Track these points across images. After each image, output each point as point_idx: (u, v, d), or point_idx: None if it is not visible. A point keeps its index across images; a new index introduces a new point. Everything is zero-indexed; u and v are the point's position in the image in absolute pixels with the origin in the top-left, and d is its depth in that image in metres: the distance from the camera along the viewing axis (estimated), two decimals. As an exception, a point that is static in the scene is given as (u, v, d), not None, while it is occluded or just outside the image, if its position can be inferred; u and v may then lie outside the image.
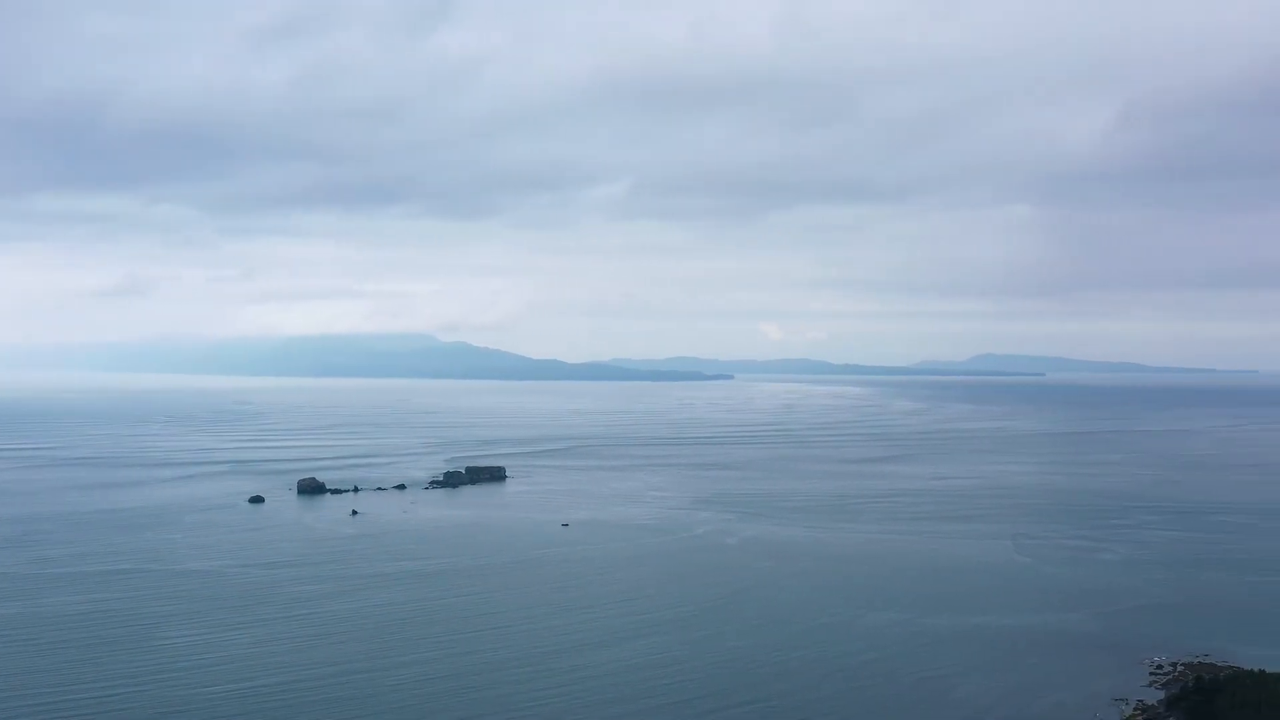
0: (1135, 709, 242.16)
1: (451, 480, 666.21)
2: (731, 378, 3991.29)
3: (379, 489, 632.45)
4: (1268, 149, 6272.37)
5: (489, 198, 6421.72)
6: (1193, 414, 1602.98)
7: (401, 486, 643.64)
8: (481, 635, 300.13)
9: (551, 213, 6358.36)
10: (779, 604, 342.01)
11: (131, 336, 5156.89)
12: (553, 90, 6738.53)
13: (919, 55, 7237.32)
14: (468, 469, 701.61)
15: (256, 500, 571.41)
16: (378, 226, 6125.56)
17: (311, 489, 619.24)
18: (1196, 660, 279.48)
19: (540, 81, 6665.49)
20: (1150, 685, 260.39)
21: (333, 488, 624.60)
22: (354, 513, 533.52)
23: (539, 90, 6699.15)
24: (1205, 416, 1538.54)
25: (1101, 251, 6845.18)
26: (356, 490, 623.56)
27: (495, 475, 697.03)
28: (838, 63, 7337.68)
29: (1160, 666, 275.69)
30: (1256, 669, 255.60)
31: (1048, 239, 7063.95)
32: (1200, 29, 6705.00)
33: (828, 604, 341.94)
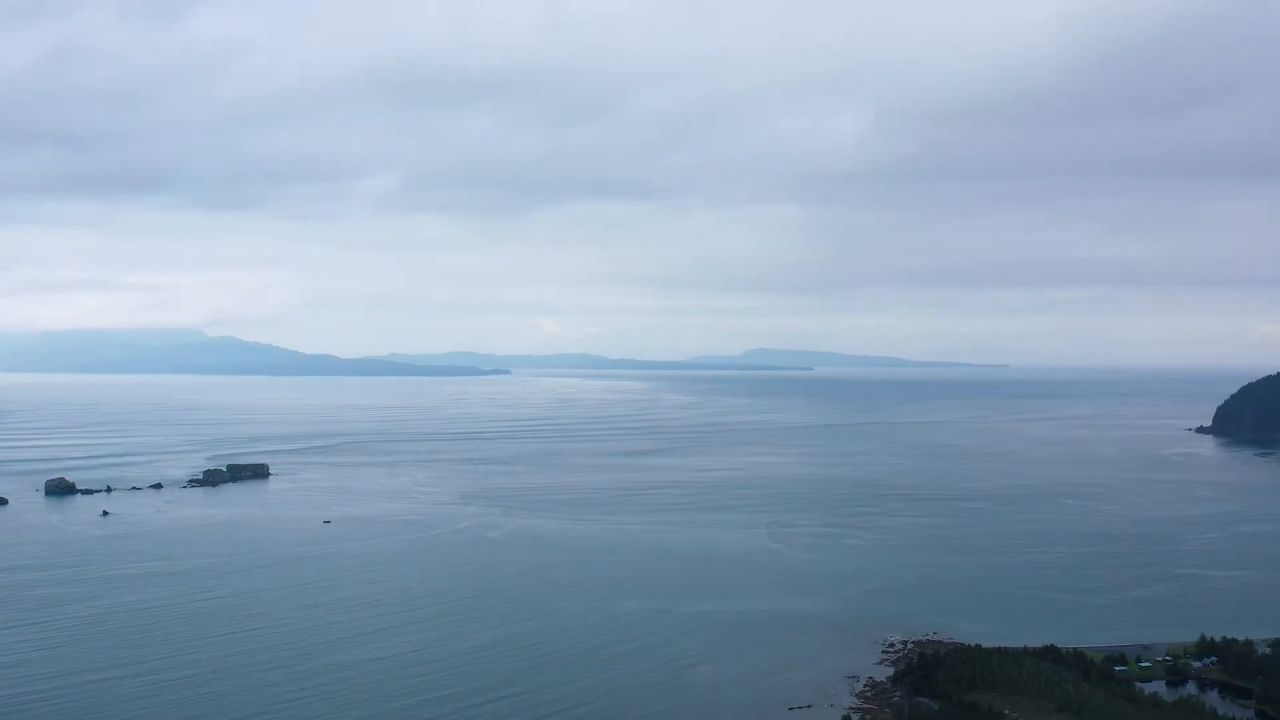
0: (865, 685, 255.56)
1: (212, 478, 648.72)
2: (509, 372, 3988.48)
3: (134, 488, 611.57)
4: (1011, 154, 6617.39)
5: (254, 188, 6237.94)
6: (945, 406, 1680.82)
7: (158, 485, 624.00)
8: (233, 634, 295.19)
9: (320, 205, 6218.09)
10: (537, 595, 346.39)
11: None
12: (314, 80, 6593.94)
13: (683, 54, 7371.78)
14: (229, 467, 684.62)
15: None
16: (138, 216, 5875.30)
17: (61, 489, 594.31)
18: (925, 638, 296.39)
19: (301, 71, 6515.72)
20: (881, 663, 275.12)
21: (84, 488, 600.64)
22: (105, 513, 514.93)
23: (300, 80, 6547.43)
24: (955, 408, 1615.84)
25: (863, 250, 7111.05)
26: (109, 490, 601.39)
27: (258, 473, 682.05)
28: (602, 60, 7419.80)
29: (892, 645, 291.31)
30: (974, 644, 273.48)
31: (813, 237, 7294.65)
32: (945, 41, 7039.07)
33: (585, 594, 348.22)
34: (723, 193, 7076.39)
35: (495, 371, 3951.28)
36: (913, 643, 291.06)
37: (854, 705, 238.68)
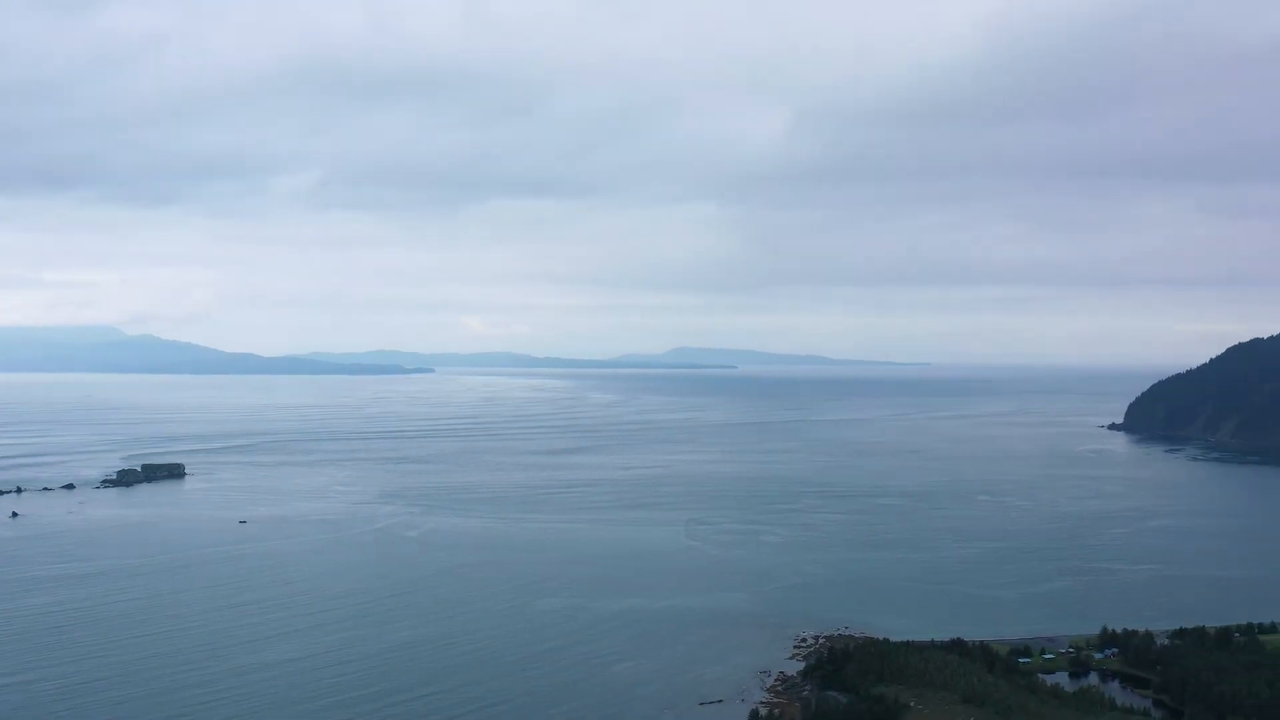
0: (777, 679, 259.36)
1: (126, 479, 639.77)
2: (433, 371, 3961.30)
3: (45, 489, 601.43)
4: (930, 156, 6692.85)
5: (172, 184, 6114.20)
6: (865, 404, 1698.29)
7: (70, 486, 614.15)
8: (145, 637, 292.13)
9: (241, 201, 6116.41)
10: (454, 594, 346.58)
11: None
12: (232, 75, 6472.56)
13: (606, 54, 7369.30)
14: (144, 467, 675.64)
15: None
16: (53, 212, 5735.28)
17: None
18: (837, 633, 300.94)
19: (218, 66, 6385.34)
20: (793, 657, 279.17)
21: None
22: (14, 514, 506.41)
23: (217, 75, 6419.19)
24: (876, 407, 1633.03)
25: (786, 249, 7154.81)
26: (20, 491, 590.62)
27: (174, 473, 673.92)
28: (525, 58, 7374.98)
29: (804, 640, 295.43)
30: (883, 638, 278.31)
31: (736, 236, 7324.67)
32: (863, 44, 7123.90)
33: (502, 592, 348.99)
34: (646, 192, 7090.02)
35: (419, 370, 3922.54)
36: (824, 638, 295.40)
37: (764, 700, 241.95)
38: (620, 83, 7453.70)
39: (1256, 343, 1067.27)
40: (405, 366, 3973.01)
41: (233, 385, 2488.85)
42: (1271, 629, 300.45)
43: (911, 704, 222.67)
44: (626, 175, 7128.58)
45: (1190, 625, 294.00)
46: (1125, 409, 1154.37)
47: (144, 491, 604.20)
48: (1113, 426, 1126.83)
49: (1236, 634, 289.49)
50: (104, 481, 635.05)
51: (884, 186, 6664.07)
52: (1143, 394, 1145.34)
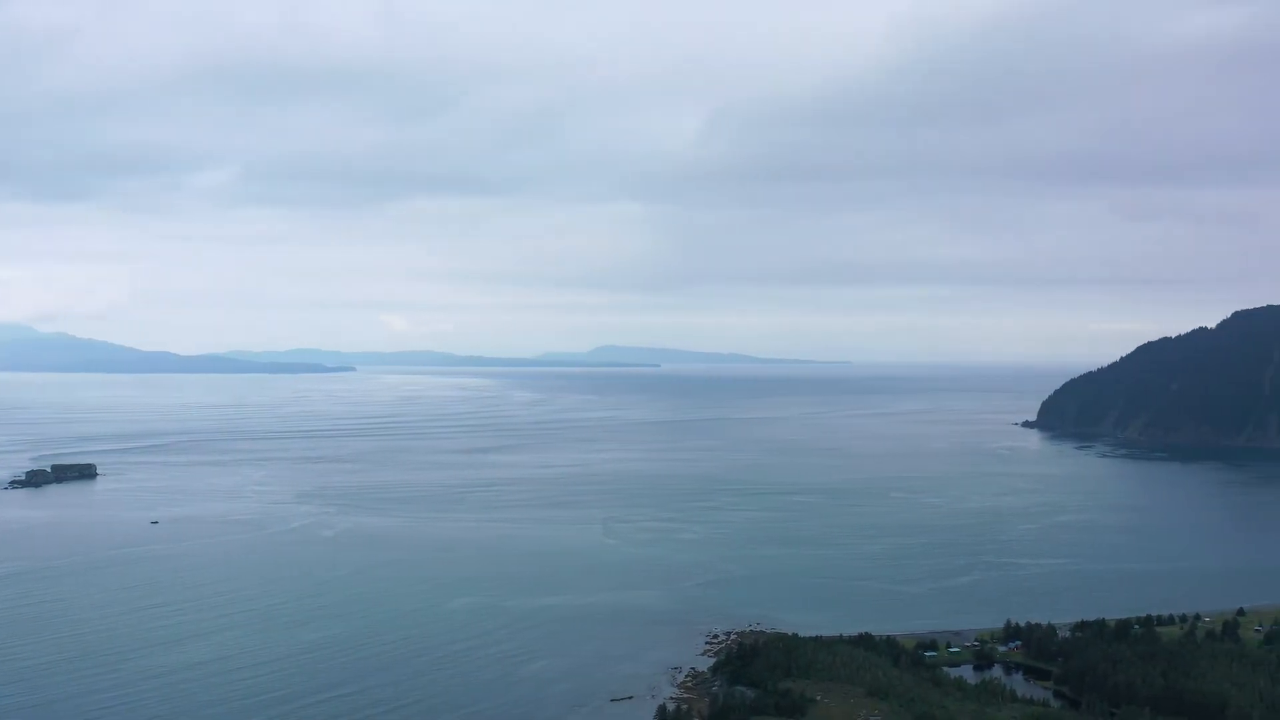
0: (688, 676, 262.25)
1: (35, 479, 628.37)
2: (353, 370, 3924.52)
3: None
4: (851, 156, 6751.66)
5: (83, 180, 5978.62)
6: (786, 402, 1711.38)
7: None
8: (54, 640, 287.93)
9: (155, 198, 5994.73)
10: (368, 594, 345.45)
11: None
12: (143, 70, 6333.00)
13: (525, 53, 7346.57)
14: (54, 467, 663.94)
15: None
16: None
17: None
18: (748, 629, 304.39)
19: (131, 61, 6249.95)
20: (704, 654, 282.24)
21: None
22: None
23: (130, 70, 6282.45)
24: (797, 405, 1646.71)
25: (708, 248, 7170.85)
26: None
27: (85, 473, 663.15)
28: (443, 56, 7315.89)
29: (716, 636, 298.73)
30: (791, 633, 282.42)
31: (659, 235, 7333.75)
32: (782, 46, 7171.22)
33: (417, 591, 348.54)
34: (568, 190, 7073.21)
35: (340, 369, 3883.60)
36: (735, 634, 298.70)
37: (674, 695, 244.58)
38: (540, 82, 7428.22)
39: (1165, 342, 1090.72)
40: (326, 365, 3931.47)
41: (148, 384, 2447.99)
42: (1169, 621, 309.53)
43: (818, 698, 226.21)
44: (548, 174, 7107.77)
45: (1092, 618, 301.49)
46: (1039, 407, 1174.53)
47: (53, 492, 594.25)
48: (1026, 424, 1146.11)
49: (1136, 626, 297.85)
50: (12, 483, 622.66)
51: (806, 186, 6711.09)
52: (1055, 392, 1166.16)
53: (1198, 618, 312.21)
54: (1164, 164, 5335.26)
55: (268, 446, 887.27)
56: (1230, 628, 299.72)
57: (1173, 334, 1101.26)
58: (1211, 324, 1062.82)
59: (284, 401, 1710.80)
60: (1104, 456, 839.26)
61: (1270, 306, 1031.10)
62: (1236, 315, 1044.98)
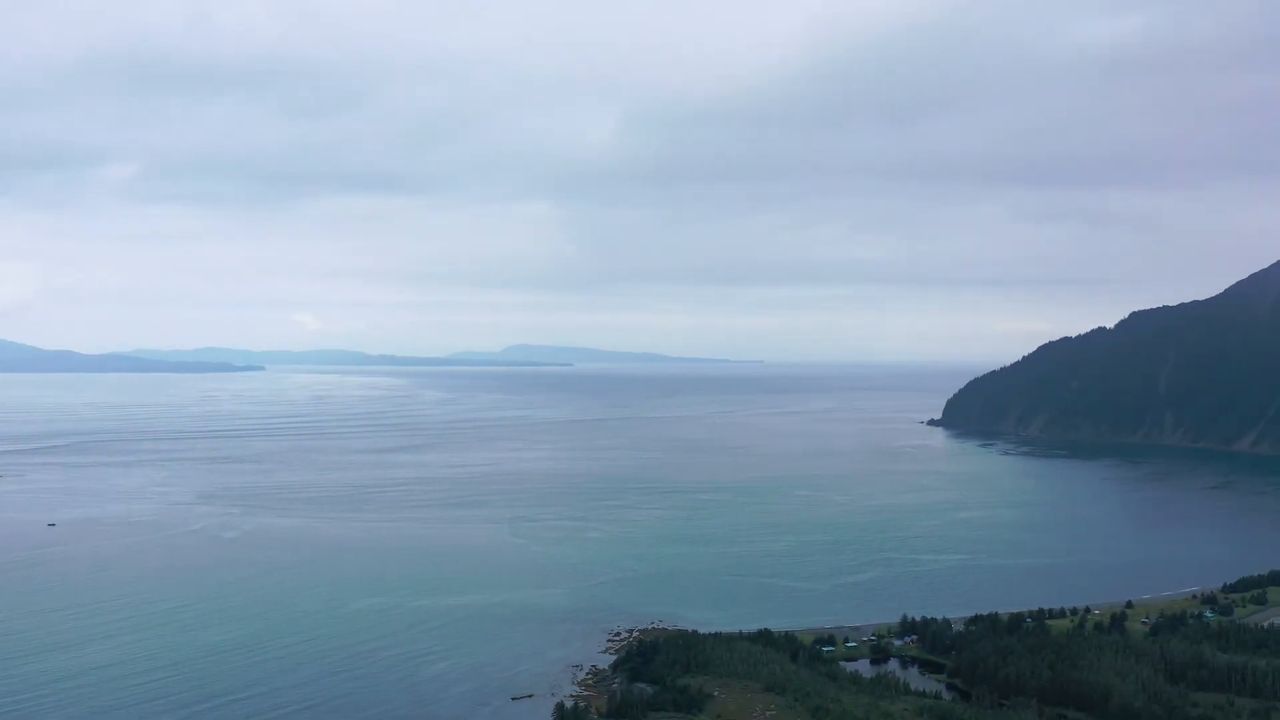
0: (588, 674, 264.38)
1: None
2: (263, 369, 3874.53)
3: None
4: (763, 157, 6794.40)
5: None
6: (698, 401, 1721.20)
7: None
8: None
9: (58, 193, 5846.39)
10: (270, 595, 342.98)
11: None
12: (49, 65, 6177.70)
13: (436, 51, 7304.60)
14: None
15: None
16: None
17: None
18: (650, 626, 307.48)
19: (34, 55, 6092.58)
20: (606, 651, 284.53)
21: None
22: None
23: (34, 64, 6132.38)
24: (708, 404, 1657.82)
25: (621, 247, 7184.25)
26: None
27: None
28: (351, 53, 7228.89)
29: (618, 634, 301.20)
30: (691, 630, 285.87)
31: (573, 234, 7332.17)
32: (692, 46, 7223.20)
33: (320, 592, 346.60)
34: (481, 189, 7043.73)
35: (250, 368, 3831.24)
36: (638, 631, 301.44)
37: (575, 693, 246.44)
38: (450, 81, 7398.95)
39: (1065, 341, 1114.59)
40: (235, 364, 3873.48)
41: (50, 384, 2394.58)
42: (1060, 614, 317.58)
43: (715, 693, 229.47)
44: (460, 172, 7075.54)
45: (985, 612, 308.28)
46: (944, 405, 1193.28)
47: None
48: (932, 422, 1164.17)
49: (1028, 619, 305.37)
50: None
51: (717, 186, 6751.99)
52: (960, 391, 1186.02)
53: (1088, 611, 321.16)
54: (1065, 167, 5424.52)
55: (172, 447, 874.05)
56: (1118, 620, 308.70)
57: (1073, 334, 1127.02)
58: (1110, 324, 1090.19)
59: (190, 401, 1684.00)
60: (1006, 454, 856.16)
61: (1165, 307, 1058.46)
62: (1134, 315, 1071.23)
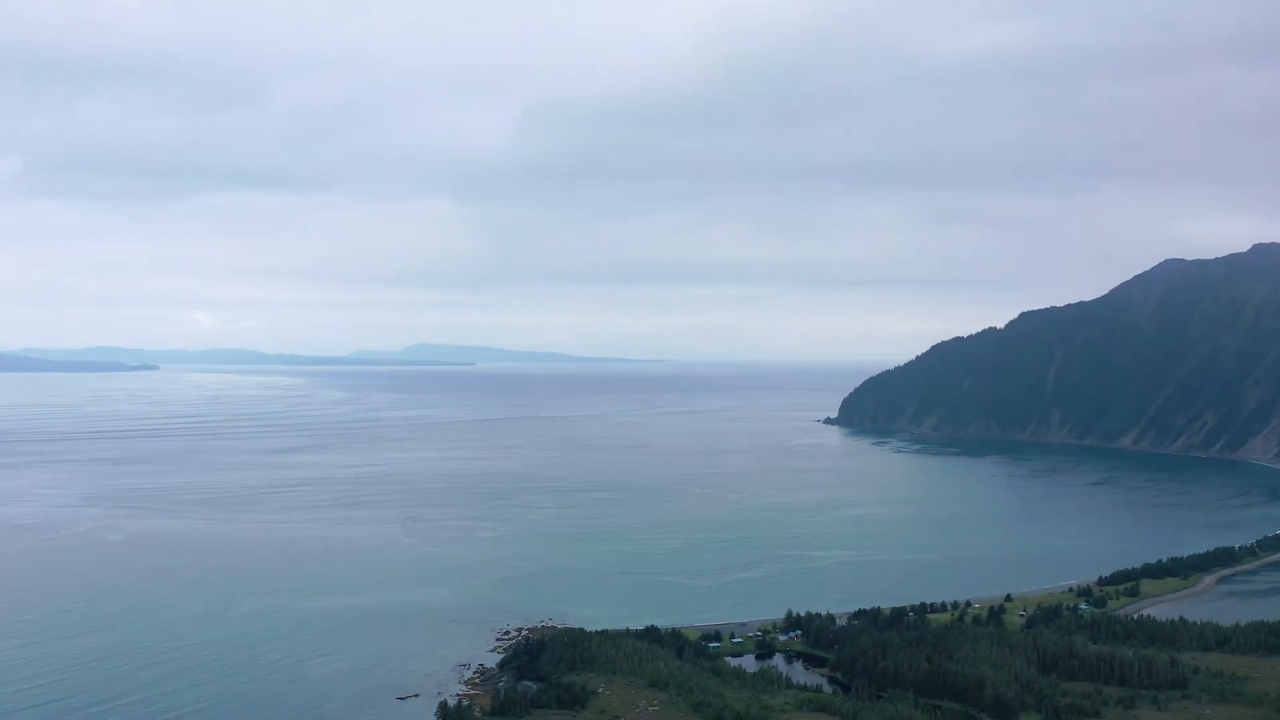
0: (476, 672, 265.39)
1: None
2: (158, 369, 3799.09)
3: None
4: (661, 157, 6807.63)
5: None
6: (597, 401, 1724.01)
7: None
8: None
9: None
10: (155, 598, 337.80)
11: None
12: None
13: (324, 45, 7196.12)
14: None
15: None
16: None
17: None
18: (540, 624, 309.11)
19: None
20: (494, 650, 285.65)
21: None
22: None
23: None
24: (608, 403, 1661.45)
25: (523, 246, 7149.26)
26: None
27: None
28: (239, 46, 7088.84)
29: (507, 632, 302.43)
30: (578, 628, 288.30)
31: (473, 233, 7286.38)
32: (588, 46, 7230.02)
33: (205, 594, 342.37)
34: (380, 186, 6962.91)
35: (143, 367, 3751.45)
36: (527, 630, 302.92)
37: (461, 692, 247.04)
38: (342, 76, 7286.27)
39: (957, 341, 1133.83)
40: (128, 364, 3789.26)
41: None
42: (942, 608, 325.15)
43: (599, 690, 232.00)
44: (356, 169, 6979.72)
45: (869, 607, 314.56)
46: (840, 404, 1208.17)
47: None
48: (828, 420, 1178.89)
49: (910, 613, 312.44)
50: None
51: (618, 186, 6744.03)
52: (855, 389, 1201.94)
53: (968, 604, 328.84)
54: (956, 170, 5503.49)
55: (59, 448, 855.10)
56: (996, 613, 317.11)
57: (965, 334, 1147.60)
58: (1000, 324, 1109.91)
59: (81, 401, 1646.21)
60: (898, 451, 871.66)
61: (1053, 308, 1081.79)
62: (1023, 315, 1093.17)
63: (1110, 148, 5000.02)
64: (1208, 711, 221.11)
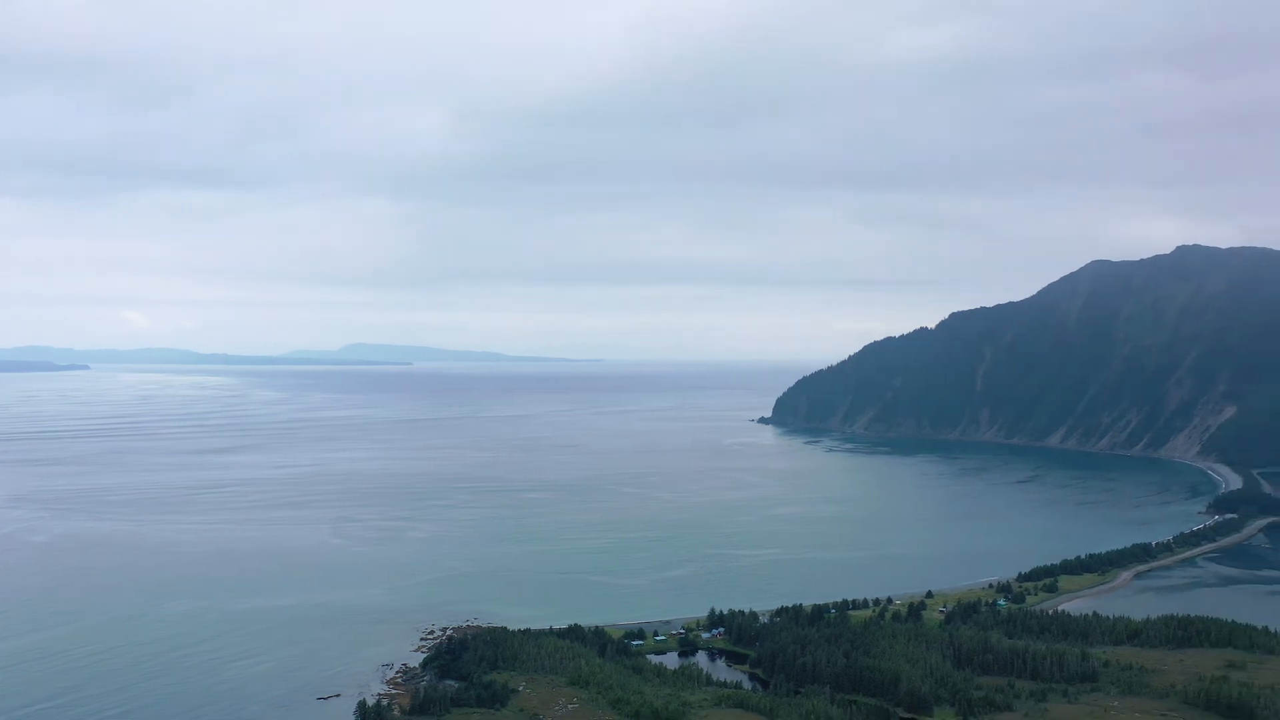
0: (398, 672, 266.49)
1: None
2: (88, 368, 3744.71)
3: None
4: (600, 157, 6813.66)
5: None
6: (535, 400, 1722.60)
7: None
8: None
9: None
10: (77, 601, 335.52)
11: None
12: None
13: (257, 44, 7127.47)
14: None
15: None
16: None
17: None
18: (465, 624, 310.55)
19: None
20: (418, 649, 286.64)
21: None
22: None
23: None
24: (545, 402, 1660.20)
25: (460, 246, 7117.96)
26: None
27: None
28: (169, 44, 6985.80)
29: (431, 632, 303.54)
30: (501, 626, 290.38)
31: (410, 232, 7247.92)
32: (524, 48, 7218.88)
33: (128, 596, 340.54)
34: (315, 185, 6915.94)
35: (74, 367, 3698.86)
36: (451, 629, 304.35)
37: (382, 692, 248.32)
38: (276, 75, 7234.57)
39: (889, 341, 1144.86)
40: (57, 363, 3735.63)
41: None
42: (863, 605, 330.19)
43: (520, 688, 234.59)
44: (292, 168, 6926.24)
45: (791, 604, 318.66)
46: (774, 403, 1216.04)
47: None
48: (762, 420, 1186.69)
49: (831, 610, 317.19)
50: None
51: (555, 186, 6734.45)
52: (789, 389, 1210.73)
53: (889, 601, 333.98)
54: (893, 172, 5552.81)
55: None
56: (916, 609, 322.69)
57: (897, 334, 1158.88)
58: (932, 324, 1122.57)
59: (9, 402, 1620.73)
60: (830, 450, 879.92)
61: (983, 308, 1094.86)
62: (954, 316, 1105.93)
63: (1039, 150, 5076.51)
64: (1115, 704, 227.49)
